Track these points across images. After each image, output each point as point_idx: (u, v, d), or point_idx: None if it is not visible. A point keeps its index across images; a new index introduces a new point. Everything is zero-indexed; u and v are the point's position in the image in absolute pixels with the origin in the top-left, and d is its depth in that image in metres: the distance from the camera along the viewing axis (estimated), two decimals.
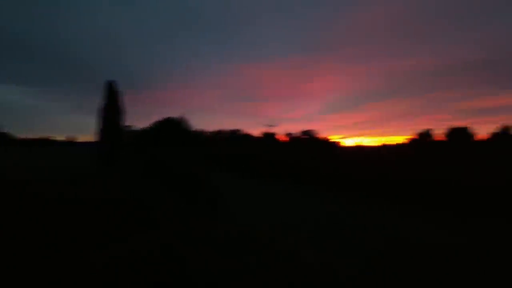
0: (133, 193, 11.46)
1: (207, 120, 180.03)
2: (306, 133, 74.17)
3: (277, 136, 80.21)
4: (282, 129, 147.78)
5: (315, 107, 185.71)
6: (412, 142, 76.16)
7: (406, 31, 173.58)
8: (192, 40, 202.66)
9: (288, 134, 77.77)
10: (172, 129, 58.41)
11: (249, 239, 7.03)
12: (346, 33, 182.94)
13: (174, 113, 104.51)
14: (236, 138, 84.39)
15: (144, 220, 8.19)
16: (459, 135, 65.53)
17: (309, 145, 67.65)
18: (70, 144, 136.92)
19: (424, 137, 74.02)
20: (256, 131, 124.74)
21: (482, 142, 67.70)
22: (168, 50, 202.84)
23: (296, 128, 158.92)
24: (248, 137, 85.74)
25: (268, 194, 13.53)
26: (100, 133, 30.30)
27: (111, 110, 30.78)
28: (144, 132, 62.62)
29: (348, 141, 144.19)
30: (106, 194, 11.18)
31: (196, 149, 50.97)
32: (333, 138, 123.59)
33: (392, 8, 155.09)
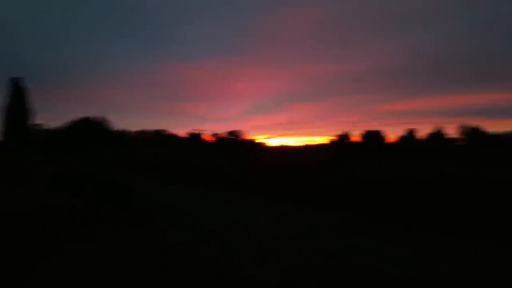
0: (42, 203, 10.08)
1: (131, 119, 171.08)
2: (232, 133, 74.59)
3: (203, 137, 79.32)
4: (209, 129, 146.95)
5: (241, 107, 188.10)
6: (333, 143, 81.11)
7: (330, 37, 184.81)
8: (115, 36, 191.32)
9: (215, 135, 77.45)
10: (89, 129, 54.14)
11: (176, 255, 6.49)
12: (272, 36, 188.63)
13: (94, 112, 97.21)
14: (161, 138, 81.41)
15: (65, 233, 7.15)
16: (373, 137, 71.33)
17: (235, 145, 68.11)
18: None
19: (343, 139, 79.23)
20: (182, 131, 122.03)
21: (391, 144, 74.72)
22: (90, 45, 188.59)
23: (222, 128, 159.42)
24: (173, 137, 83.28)
25: (195, 201, 12.99)
26: (5, 133, 27.22)
27: (17, 108, 27.82)
28: (56, 131, 57.04)
29: (273, 141, 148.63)
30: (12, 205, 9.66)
31: (116, 149, 47.88)
32: (259, 138, 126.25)
33: (317, 14, 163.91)
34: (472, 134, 59.61)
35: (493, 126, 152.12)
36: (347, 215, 10.75)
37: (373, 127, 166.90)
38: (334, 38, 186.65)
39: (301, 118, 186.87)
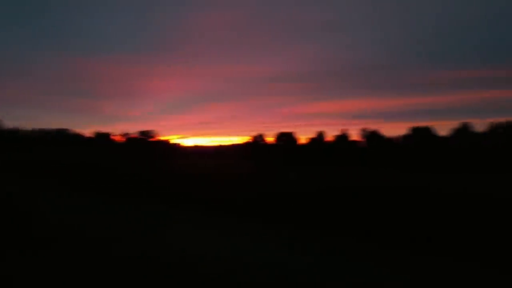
0: None
1: (28, 116, 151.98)
2: (145, 133, 70.76)
3: (112, 137, 73.65)
4: (119, 129, 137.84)
5: (156, 105, 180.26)
6: (248, 144, 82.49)
7: (246, 39, 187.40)
8: (9, 23, 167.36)
9: (125, 135, 72.44)
10: None
11: None
12: (189, 34, 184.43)
13: None
14: (63, 138, 73.59)
15: None
16: (286, 138, 74.30)
17: (147, 146, 64.83)
18: None
19: (258, 140, 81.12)
20: (88, 130, 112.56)
21: (303, 146, 78.75)
22: None
23: (134, 128, 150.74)
24: (78, 137, 76.02)
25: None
26: None
27: None
28: None
29: (188, 142, 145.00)
30: None
31: (6, 150, 41.73)
32: (173, 138, 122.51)
33: (235, 16, 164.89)
34: (372, 137, 65.87)
35: (391, 129, 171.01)
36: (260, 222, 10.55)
37: (285, 128, 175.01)
38: (250, 40, 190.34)
39: (216, 118, 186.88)
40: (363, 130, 65.44)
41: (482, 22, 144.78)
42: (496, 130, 55.52)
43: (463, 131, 55.87)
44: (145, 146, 66.42)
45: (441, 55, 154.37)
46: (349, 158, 51.75)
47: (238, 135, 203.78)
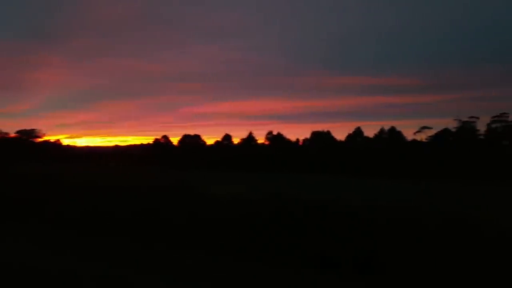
0: None
1: None
2: (25, 132, 60.15)
3: None
4: None
5: (38, 101, 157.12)
6: (150, 145, 77.14)
7: (146, 35, 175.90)
8: None
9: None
10: None
11: None
12: (82, 24, 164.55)
13: None
14: None
15: None
16: (191, 141, 71.39)
17: (26, 148, 55.55)
18: None
19: (163, 141, 76.47)
20: None
21: (210, 148, 76.85)
22: None
23: (12, 125, 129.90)
24: None
25: None
26: None
27: None
28: None
29: (79, 142, 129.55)
30: None
31: None
32: (60, 137, 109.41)
33: (135, 10, 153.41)
34: (275, 140, 67.24)
35: (294, 131, 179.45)
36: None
37: (189, 129, 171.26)
38: (150, 36, 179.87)
39: (111, 117, 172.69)
40: (268, 133, 66.55)
41: (386, 33, 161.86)
42: (381, 135, 61.55)
43: (357, 135, 60.59)
44: (24, 147, 56.77)
45: (343, 61, 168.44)
46: (255, 162, 51.64)
47: (137, 135, 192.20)
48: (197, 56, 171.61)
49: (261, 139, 68.90)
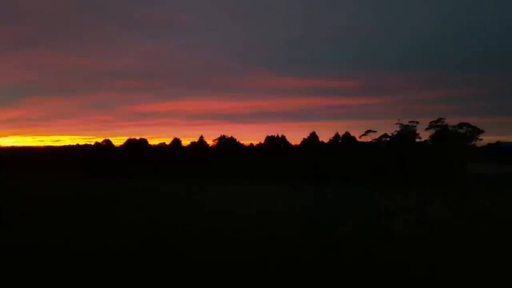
0: None
1: None
2: None
3: None
4: None
5: None
6: (88, 147, 69.88)
7: (78, 27, 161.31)
8: None
9: None
10: None
11: None
12: (6, 12, 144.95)
13: None
14: None
15: None
16: (135, 143, 65.49)
17: None
18: None
19: (104, 144, 69.57)
20: None
21: (156, 148, 71.37)
22: None
23: None
24: None
25: None
26: None
27: None
28: None
29: (3, 141, 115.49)
30: None
31: None
32: None
33: (68, 1, 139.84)
34: (228, 144, 63.29)
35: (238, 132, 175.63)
36: None
37: (129, 127, 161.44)
38: (86, 30, 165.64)
39: (43, 115, 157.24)
40: (221, 136, 62.57)
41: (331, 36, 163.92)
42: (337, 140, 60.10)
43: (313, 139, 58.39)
44: None
45: (288, 63, 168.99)
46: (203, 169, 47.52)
47: (74, 134, 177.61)
48: (138, 53, 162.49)
49: (208, 140, 64.47)
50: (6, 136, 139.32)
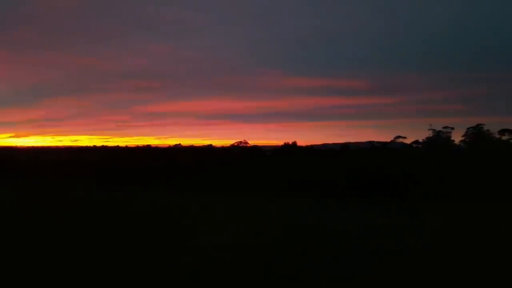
0: None
1: None
2: None
3: None
4: None
5: None
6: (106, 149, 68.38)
7: (95, 29, 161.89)
8: None
9: None
10: None
11: None
12: (23, 15, 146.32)
13: None
14: None
15: None
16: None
17: None
18: None
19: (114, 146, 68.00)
20: None
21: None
22: None
23: None
24: None
25: None
26: None
27: None
28: None
29: (23, 141, 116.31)
30: None
31: None
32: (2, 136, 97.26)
33: (82, 3, 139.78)
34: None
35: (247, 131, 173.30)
36: None
37: (144, 128, 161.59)
38: (102, 32, 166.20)
39: (61, 115, 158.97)
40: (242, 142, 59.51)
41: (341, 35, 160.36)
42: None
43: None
44: None
45: (298, 63, 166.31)
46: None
47: (90, 134, 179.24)
48: (152, 53, 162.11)
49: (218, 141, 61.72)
50: (27, 136, 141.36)
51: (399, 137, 52.52)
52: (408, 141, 52.53)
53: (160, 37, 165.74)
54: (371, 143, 55.49)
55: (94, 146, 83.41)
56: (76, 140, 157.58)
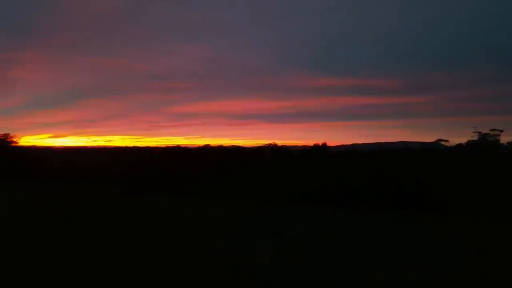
0: None
1: None
2: None
3: None
4: None
5: (17, 100, 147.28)
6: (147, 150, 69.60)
7: (127, 33, 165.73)
8: None
9: None
10: None
11: None
12: (63, 21, 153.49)
13: None
14: None
15: None
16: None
17: None
18: None
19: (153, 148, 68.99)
20: None
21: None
22: None
23: None
24: None
25: None
26: None
27: None
28: None
29: (61, 141, 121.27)
30: None
31: None
32: (41, 137, 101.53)
33: (113, 8, 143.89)
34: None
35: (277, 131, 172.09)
36: None
37: (174, 128, 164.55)
38: (134, 35, 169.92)
39: (95, 116, 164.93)
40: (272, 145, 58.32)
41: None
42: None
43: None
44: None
45: (327, 62, 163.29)
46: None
47: (123, 134, 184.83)
48: (183, 55, 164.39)
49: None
50: (64, 136, 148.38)
51: (440, 140, 49.47)
52: (450, 143, 49.56)
53: (189, 38, 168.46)
54: (404, 143, 52.51)
55: (127, 147, 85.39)
56: (109, 140, 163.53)
